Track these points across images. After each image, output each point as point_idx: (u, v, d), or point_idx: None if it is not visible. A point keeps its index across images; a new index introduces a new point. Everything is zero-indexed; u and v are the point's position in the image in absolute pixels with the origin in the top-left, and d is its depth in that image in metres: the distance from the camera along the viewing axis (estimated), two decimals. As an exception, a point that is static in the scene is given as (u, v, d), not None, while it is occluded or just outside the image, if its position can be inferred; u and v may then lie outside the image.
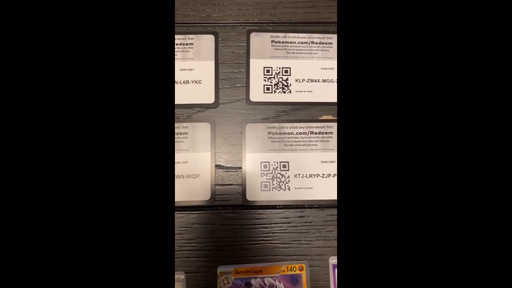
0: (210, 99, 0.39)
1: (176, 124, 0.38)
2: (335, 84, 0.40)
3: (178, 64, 0.40)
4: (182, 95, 0.39)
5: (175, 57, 0.40)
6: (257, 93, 0.40)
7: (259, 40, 0.41)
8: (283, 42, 0.41)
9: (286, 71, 0.40)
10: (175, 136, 0.38)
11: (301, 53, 0.41)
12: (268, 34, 0.41)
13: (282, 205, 0.37)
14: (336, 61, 0.41)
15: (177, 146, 0.38)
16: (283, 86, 0.40)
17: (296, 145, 0.39)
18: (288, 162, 0.38)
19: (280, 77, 0.40)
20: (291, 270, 0.36)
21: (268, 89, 0.40)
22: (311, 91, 0.40)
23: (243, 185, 0.37)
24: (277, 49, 0.41)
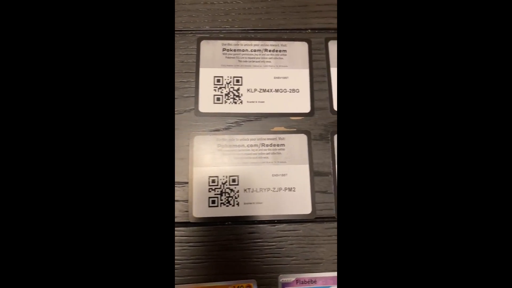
0: (157, 111, 0.37)
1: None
2: (288, 94, 0.39)
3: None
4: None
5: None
6: (206, 104, 0.38)
7: (210, 48, 0.39)
8: (235, 50, 0.40)
9: (237, 81, 0.39)
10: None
11: (253, 61, 0.40)
12: (220, 42, 0.40)
13: (230, 222, 0.36)
14: (289, 70, 0.39)
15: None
16: (234, 96, 0.38)
17: (246, 158, 0.37)
18: (238, 176, 0.37)
19: (231, 87, 0.39)
20: (239, 290, 0.34)
21: (218, 99, 0.38)
22: (263, 102, 0.39)
23: (189, 201, 0.36)
24: (228, 57, 0.39)
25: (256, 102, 0.39)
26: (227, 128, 0.38)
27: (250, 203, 0.36)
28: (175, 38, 0.39)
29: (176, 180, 0.36)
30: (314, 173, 0.37)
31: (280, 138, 0.38)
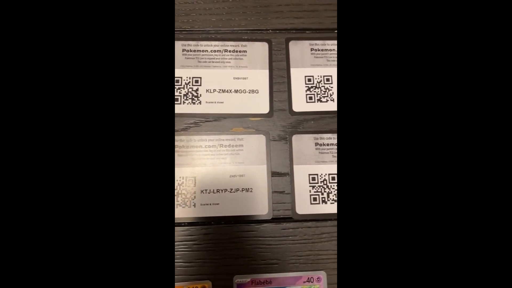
0: (114, 112, 0.37)
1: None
2: (247, 95, 0.39)
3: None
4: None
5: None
6: (165, 105, 0.38)
7: (169, 49, 0.39)
8: (194, 51, 0.40)
9: (196, 81, 0.39)
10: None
11: (213, 61, 0.39)
12: (180, 43, 0.40)
13: (186, 223, 0.36)
14: (249, 70, 0.39)
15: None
16: (193, 97, 0.38)
17: (204, 158, 0.37)
18: (195, 177, 0.37)
19: (190, 87, 0.39)
20: (193, 291, 0.34)
21: (176, 100, 0.38)
22: (222, 102, 0.38)
23: (145, 202, 0.35)
24: (188, 58, 0.39)
25: (215, 102, 0.38)
26: (185, 129, 0.38)
27: (207, 204, 0.36)
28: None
29: (132, 181, 0.36)
30: (272, 174, 0.37)
31: (238, 139, 0.38)
